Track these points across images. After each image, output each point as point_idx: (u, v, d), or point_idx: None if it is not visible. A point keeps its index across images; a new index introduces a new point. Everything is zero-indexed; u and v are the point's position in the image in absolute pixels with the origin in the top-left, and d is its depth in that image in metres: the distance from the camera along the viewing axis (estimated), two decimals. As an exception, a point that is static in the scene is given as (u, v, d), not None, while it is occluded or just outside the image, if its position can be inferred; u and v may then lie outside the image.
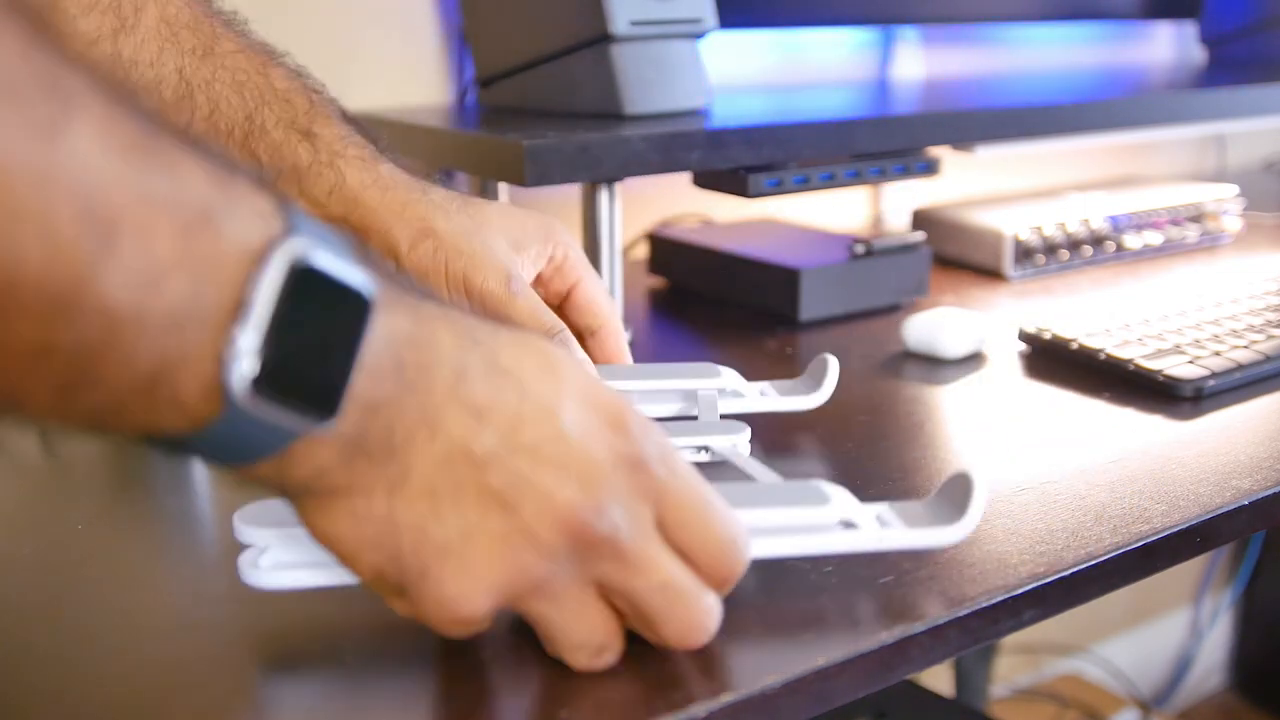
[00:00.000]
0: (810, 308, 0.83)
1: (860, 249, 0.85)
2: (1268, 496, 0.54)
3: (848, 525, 0.44)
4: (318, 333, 0.32)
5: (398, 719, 0.38)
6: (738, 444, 0.54)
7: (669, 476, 0.38)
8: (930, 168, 0.89)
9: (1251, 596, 1.83)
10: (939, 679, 1.42)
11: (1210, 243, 1.08)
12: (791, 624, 0.43)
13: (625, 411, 0.38)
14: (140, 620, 0.44)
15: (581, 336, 0.61)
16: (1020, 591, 0.45)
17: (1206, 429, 0.62)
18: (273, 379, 0.31)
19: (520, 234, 0.59)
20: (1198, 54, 1.46)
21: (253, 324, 0.30)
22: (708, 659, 0.40)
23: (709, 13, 0.83)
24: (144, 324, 0.28)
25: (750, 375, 0.62)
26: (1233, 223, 1.09)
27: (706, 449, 0.54)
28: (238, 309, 0.30)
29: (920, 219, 1.04)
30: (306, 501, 0.35)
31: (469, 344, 0.36)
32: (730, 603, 0.40)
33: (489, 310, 0.56)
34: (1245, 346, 0.71)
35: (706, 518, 0.38)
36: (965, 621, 0.44)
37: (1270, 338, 0.72)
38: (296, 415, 0.31)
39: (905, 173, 0.88)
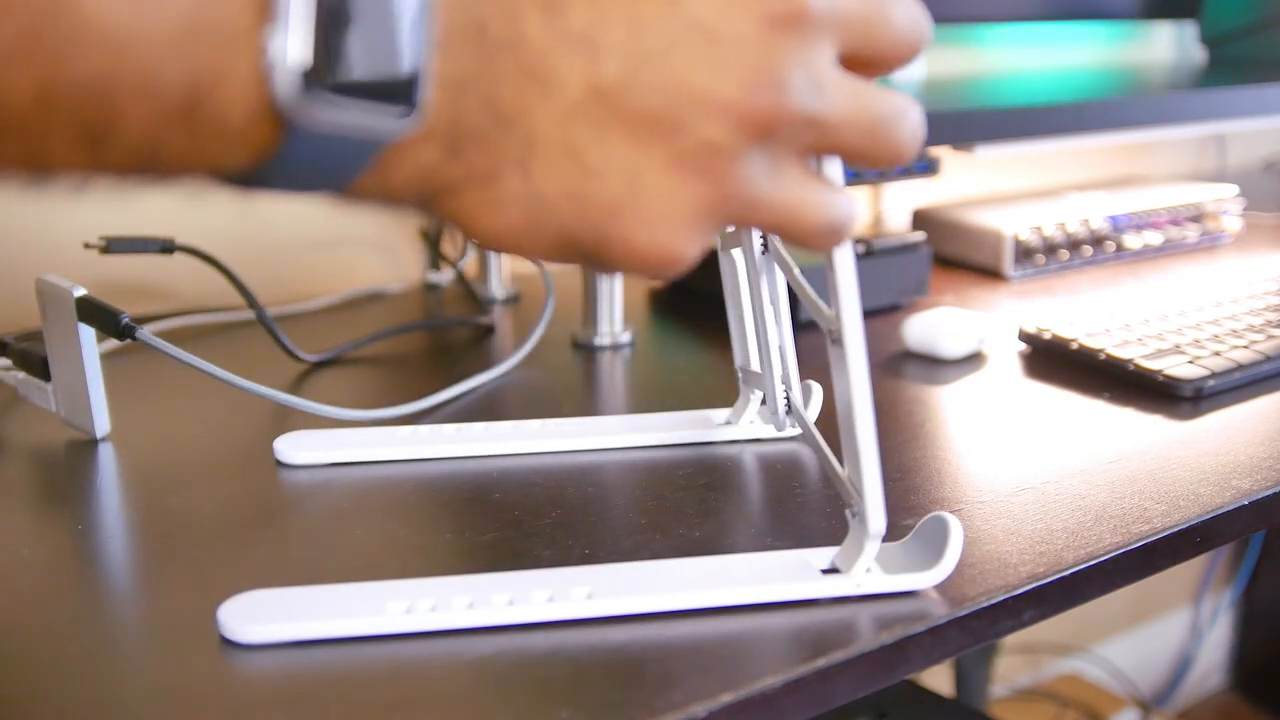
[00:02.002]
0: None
1: (860, 249, 0.85)
2: (1268, 496, 0.54)
3: (829, 571, 0.45)
4: (373, 11, 0.26)
5: None
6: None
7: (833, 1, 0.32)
8: (930, 168, 0.89)
9: (1251, 596, 1.83)
10: (939, 679, 1.43)
11: (1210, 243, 1.08)
12: (791, 624, 0.43)
13: None
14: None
15: None
16: (1020, 591, 0.45)
17: (1206, 429, 0.62)
18: (329, 79, 0.26)
19: None
20: (1198, 54, 1.46)
21: (287, 17, 0.25)
22: (708, 658, 0.40)
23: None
24: (151, 41, 0.25)
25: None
26: (1233, 223, 1.09)
27: None
28: (266, 6, 0.25)
29: (920, 219, 1.04)
30: (442, 202, 0.30)
31: None
32: (730, 603, 0.40)
33: None
34: (1245, 346, 0.71)
35: (891, 16, 0.33)
36: (965, 621, 0.44)
37: (1270, 338, 0.72)
38: (371, 115, 0.27)
39: (905, 173, 0.88)
